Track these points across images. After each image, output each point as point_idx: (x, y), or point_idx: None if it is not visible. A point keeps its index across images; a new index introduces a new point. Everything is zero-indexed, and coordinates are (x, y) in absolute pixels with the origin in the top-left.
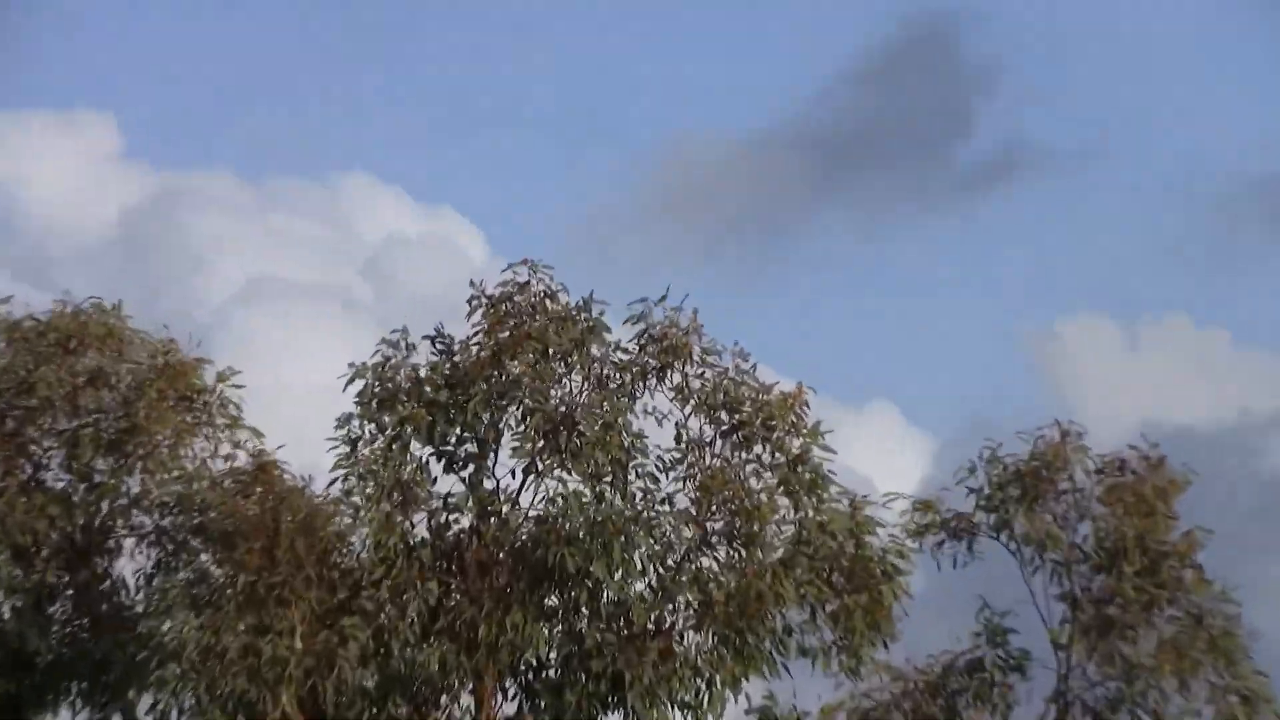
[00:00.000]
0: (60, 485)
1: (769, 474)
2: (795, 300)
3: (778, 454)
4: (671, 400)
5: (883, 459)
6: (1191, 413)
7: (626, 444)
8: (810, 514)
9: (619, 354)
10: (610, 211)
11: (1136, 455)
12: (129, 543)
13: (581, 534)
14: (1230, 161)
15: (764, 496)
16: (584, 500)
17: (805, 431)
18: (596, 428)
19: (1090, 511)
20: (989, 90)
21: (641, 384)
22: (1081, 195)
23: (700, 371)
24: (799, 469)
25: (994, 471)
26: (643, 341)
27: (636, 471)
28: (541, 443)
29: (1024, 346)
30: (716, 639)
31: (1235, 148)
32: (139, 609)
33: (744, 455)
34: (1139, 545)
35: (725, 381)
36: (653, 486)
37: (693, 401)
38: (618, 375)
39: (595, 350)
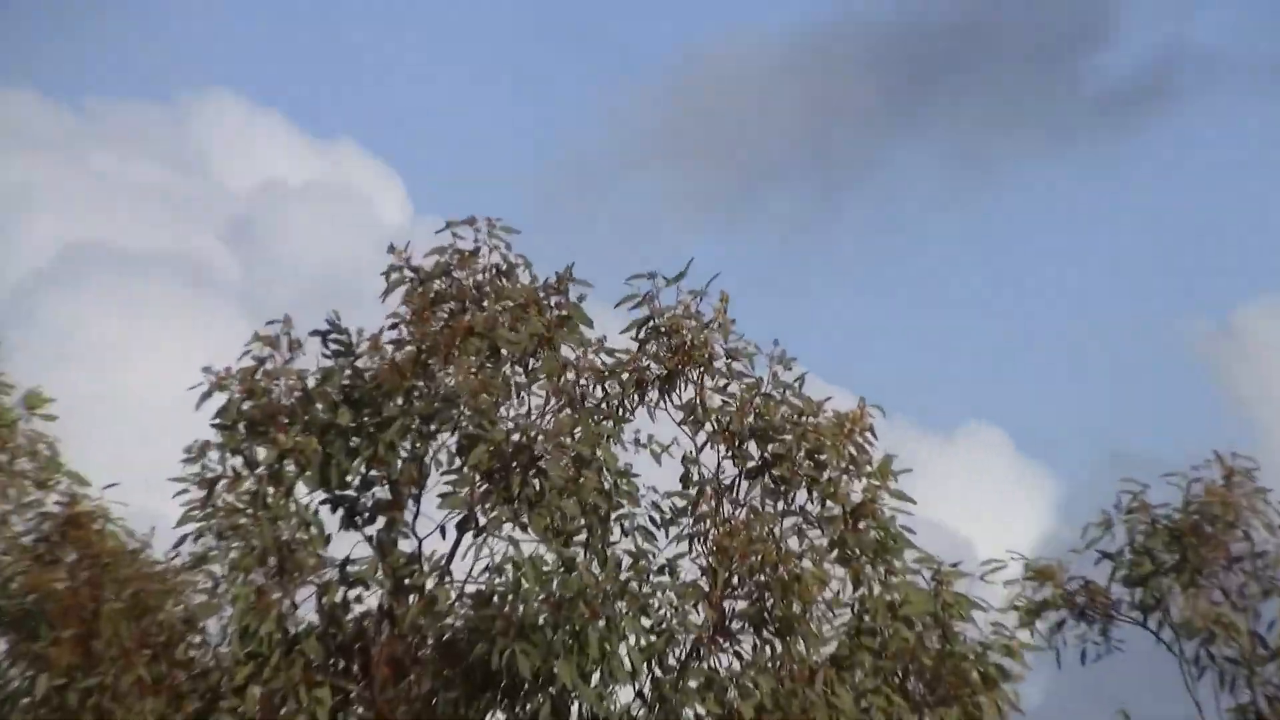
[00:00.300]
0: None
1: (817, 531)
2: (855, 279)
3: (829, 503)
4: (680, 424)
5: (985, 508)
6: None
7: (609, 486)
8: (876, 590)
9: (603, 356)
10: (589, 154)
11: None
12: None
13: (542, 619)
14: None
15: (809, 563)
16: (545, 569)
17: (869, 470)
18: (566, 464)
19: (1277, 585)
20: None
21: (637, 399)
22: (1269, 125)
23: (723, 384)
24: (860, 524)
25: (1139, 528)
26: (642, 337)
27: (623, 527)
28: (485, 486)
29: (1187, 347)
30: None
31: None
32: None
33: (781, 504)
34: None
35: (757, 398)
36: (648, 548)
37: (710, 426)
38: (599, 388)
39: (569, 351)
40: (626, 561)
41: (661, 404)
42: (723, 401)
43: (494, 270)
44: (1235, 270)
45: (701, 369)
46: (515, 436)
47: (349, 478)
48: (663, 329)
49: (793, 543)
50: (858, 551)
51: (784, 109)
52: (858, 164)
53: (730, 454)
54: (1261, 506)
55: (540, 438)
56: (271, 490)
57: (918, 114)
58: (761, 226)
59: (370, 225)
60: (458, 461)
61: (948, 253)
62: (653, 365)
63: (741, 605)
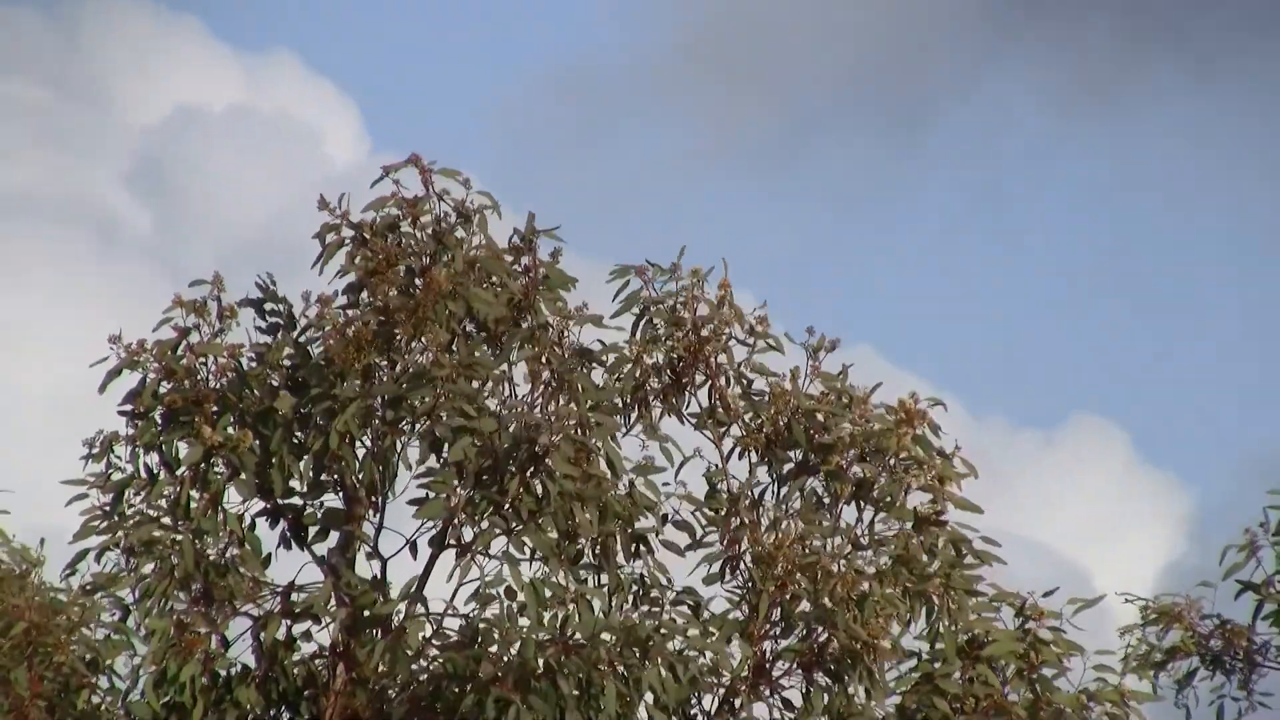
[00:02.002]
0: None
1: (869, 553)
2: (932, 244)
3: (886, 514)
4: (699, 428)
5: (1099, 526)
6: None
7: (626, 489)
8: (949, 624)
9: (592, 332)
10: (593, 80)
11: None
12: None
13: (542, 662)
14: None
15: (874, 587)
16: (547, 596)
17: (932, 475)
18: (575, 462)
19: None
20: None
21: (636, 411)
22: None
23: (748, 382)
24: (928, 542)
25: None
26: (644, 335)
27: (644, 544)
28: (472, 490)
29: None
30: None
31: None
32: None
33: (828, 519)
34: None
35: (786, 394)
36: (660, 566)
37: (737, 430)
38: (591, 368)
39: (550, 316)
40: (649, 590)
41: (668, 413)
42: (753, 398)
43: (450, 218)
44: None
45: (717, 369)
46: (508, 428)
47: (293, 482)
48: (668, 320)
49: (845, 563)
50: (930, 574)
51: (848, 29)
52: (942, 98)
53: (765, 460)
54: None
55: (538, 429)
56: (196, 497)
57: (1024, 34)
58: (814, 180)
59: (316, 163)
60: (433, 459)
61: (1054, 209)
62: (655, 366)
63: (787, 642)
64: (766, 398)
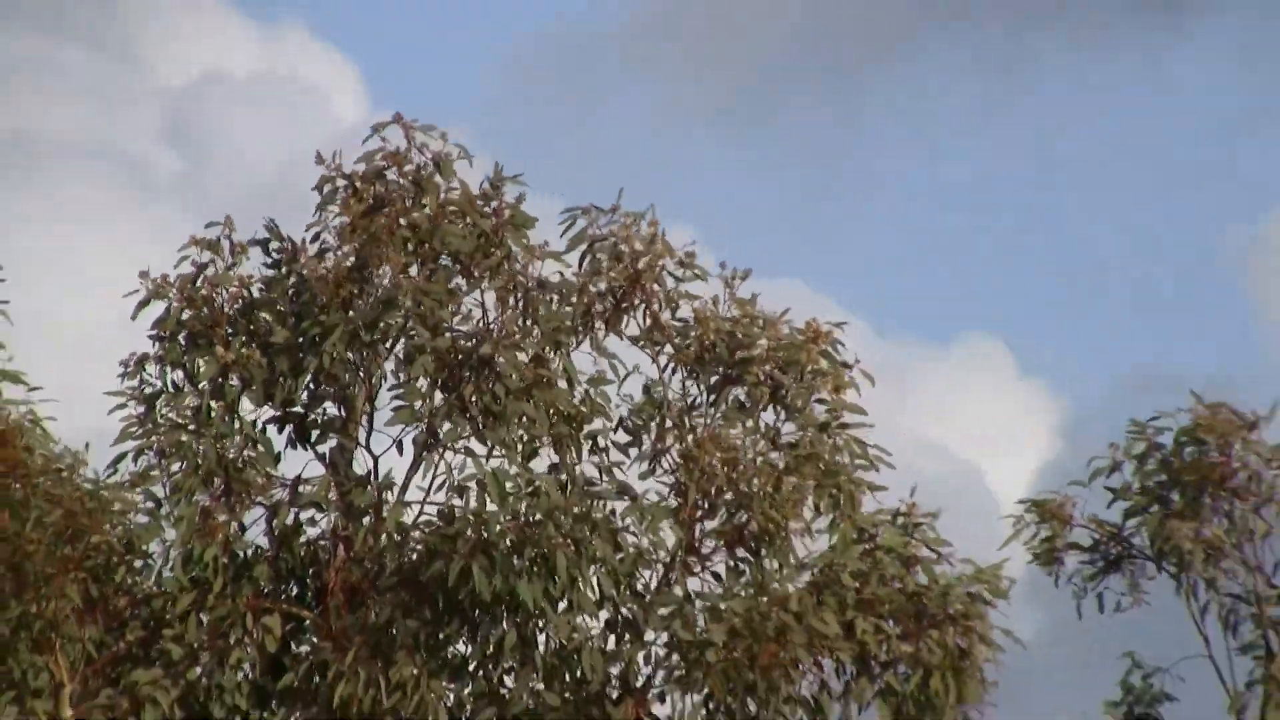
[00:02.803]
0: None
1: (783, 452)
2: (859, 189)
3: (793, 419)
4: (640, 346)
5: (988, 430)
6: None
7: (578, 398)
8: (847, 519)
9: (545, 267)
10: (561, 45)
11: None
12: None
13: (507, 541)
14: None
15: (785, 479)
16: (509, 485)
17: (829, 384)
18: (524, 368)
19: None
20: None
21: (583, 330)
22: None
23: (675, 306)
24: (829, 439)
25: (1149, 469)
26: (590, 268)
27: (594, 443)
28: (441, 397)
29: (1221, 256)
30: (714, 704)
31: None
32: None
33: (749, 423)
34: None
35: (712, 316)
36: (616, 462)
37: (669, 348)
38: (550, 297)
39: (515, 252)
40: (594, 480)
41: (612, 331)
42: (681, 322)
43: (430, 168)
44: (1268, 175)
45: (651, 296)
46: (471, 343)
47: (297, 393)
48: (609, 254)
49: (762, 458)
50: (834, 470)
51: (787, 18)
52: (881, 66)
53: (693, 374)
54: (1254, 438)
55: (498, 345)
56: (215, 406)
57: (951, 11)
58: (771, 136)
59: (323, 120)
60: (409, 371)
61: (963, 157)
62: (601, 291)
63: (714, 524)
64: (694, 320)
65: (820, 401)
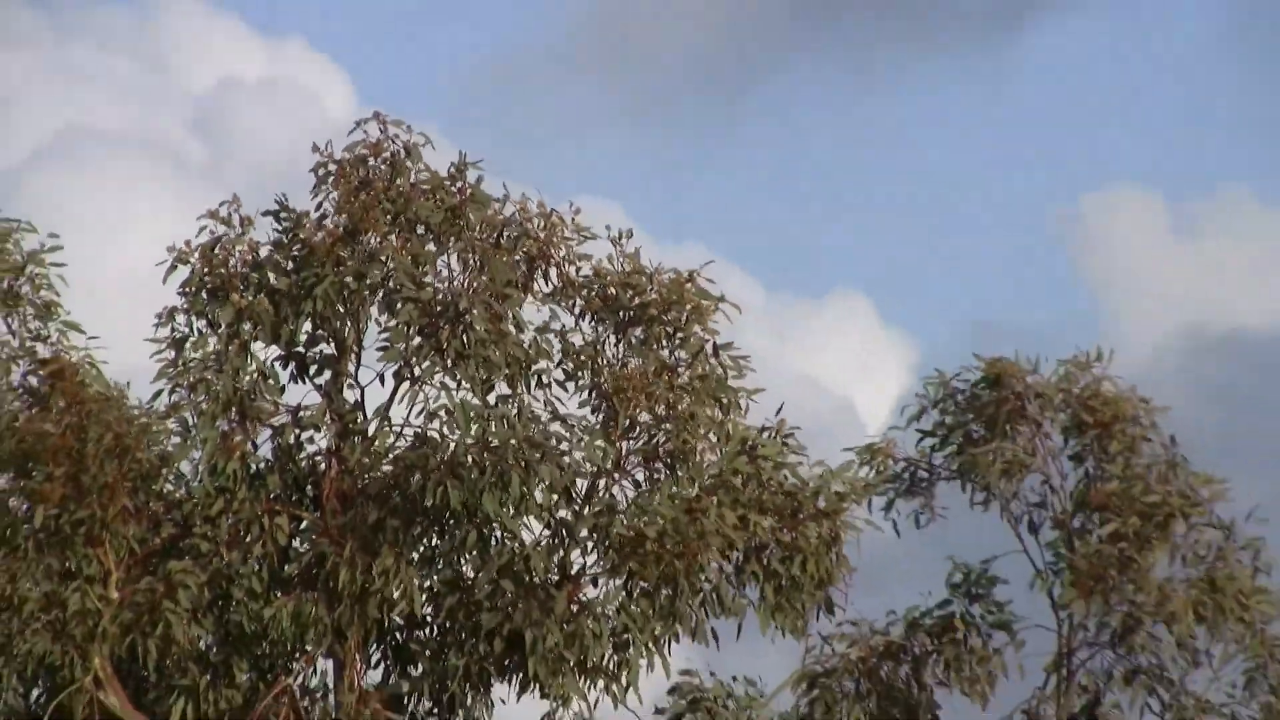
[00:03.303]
0: None
1: (683, 375)
2: (750, 169)
3: (681, 352)
4: (550, 302)
5: (852, 371)
6: (1251, 312)
7: (528, 342)
8: (733, 430)
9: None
10: (515, 56)
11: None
12: None
13: (470, 459)
14: None
15: (690, 399)
16: (472, 413)
17: (700, 317)
18: (487, 321)
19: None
20: None
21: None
22: (1120, 40)
23: (578, 266)
24: (711, 363)
25: (949, 408)
26: (504, 237)
27: (540, 379)
28: (417, 340)
29: (1043, 229)
30: (637, 591)
31: None
32: None
33: (649, 356)
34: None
35: (609, 271)
36: (558, 396)
37: (578, 300)
38: (505, 259)
39: (475, 225)
40: (540, 411)
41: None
42: (585, 279)
43: (403, 154)
44: (1089, 162)
45: (555, 261)
46: (441, 296)
47: (297, 335)
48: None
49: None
50: (721, 396)
51: (683, 26)
52: (752, 74)
53: (599, 320)
54: (1041, 381)
55: (465, 298)
56: (232, 348)
57: (805, 30)
58: (662, 128)
59: (319, 117)
60: (391, 319)
61: (834, 151)
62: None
63: (637, 444)
64: (594, 275)
65: (700, 330)
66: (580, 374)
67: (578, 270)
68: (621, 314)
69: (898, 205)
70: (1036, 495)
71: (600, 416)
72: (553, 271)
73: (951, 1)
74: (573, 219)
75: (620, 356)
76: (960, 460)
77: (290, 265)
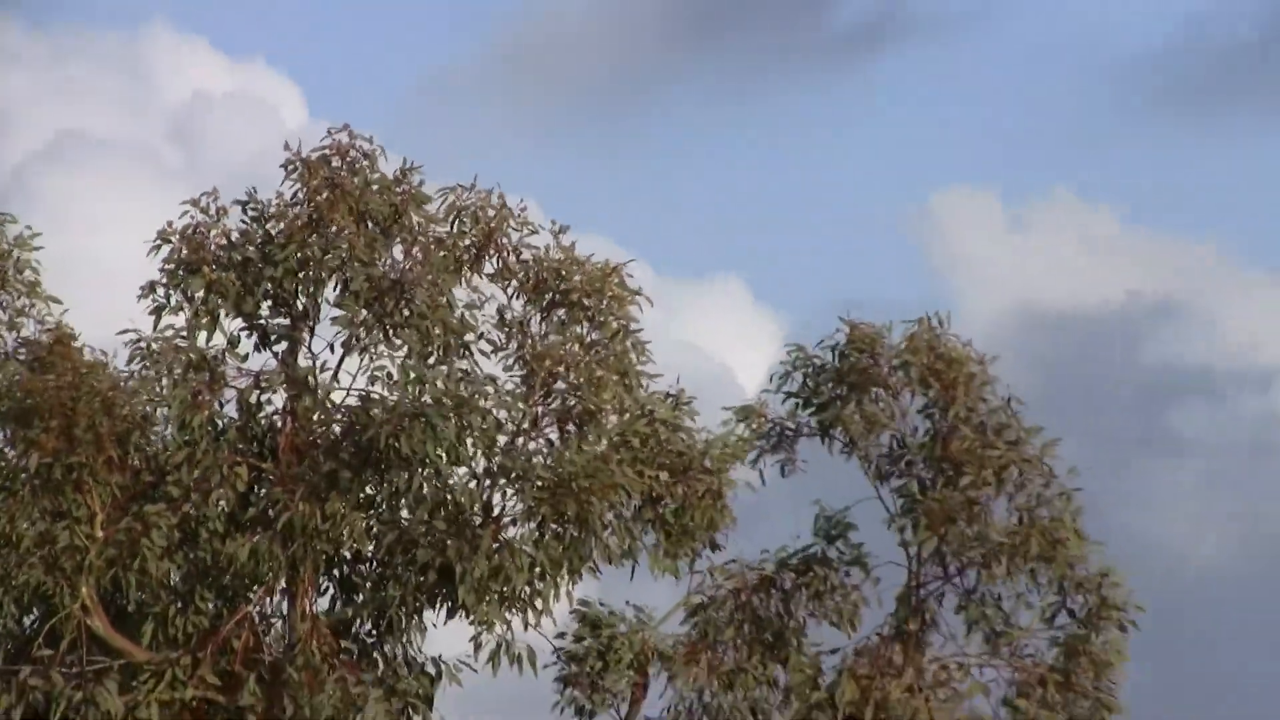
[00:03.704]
0: None
1: (595, 351)
2: (646, 171)
3: (597, 332)
4: (492, 282)
5: (730, 342)
6: (1075, 296)
7: (457, 317)
8: (635, 396)
9: (436, 228)
10: (448, 74)
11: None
12: None
13: (410, 412)
14: (1124, 30)
15: (597, 370)
16: (411, 375)
17: (618, 302)
18: (424, 298)
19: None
20: None
21: (465, 265)
22: (963, 63)
23: (519, 253)
24: (621, 344)
25: (809, 373)
26: (454, 225)
27: (467, 350)
28: (365, 313)
29: (895, 222)
30: (549, 533)
31: (1128, 15)
32: None
33: (569, 334)
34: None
35: (544, 259)
36: (480, 366)
37: (514, 282)
38: (439, 249)
39: (416, 219)
40: (468, 375)
41: (475, 272)
42: (520, 265)
43: (361, 159)
44: (935, 166)
45: (500, 248)
46: (388, 277)
47: (260, 309)
48: (471, 217)
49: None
50: (626, 367)
51: (592, 48)
52: (650, 89)
53: (530, 302)
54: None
55: (406, 278)
56: (202, 318)
57: (694, 54)
58: (575, 135)
59: (277, 126)
60: (343, 296)
61: (718, 155)
62: (468, 243)
63: (552, 406)
64: (530, 262)
65: (615, 317)
66: (508, 345)
67: (518, 256)
68: (550, 296)
69: (770, 199)
70: (887, 448)
71: (521, 382)
72: (495, 256)
73: (821, 29)
74: (519, 213)
75: (544, 332)
76: (824, 417)
77: (255, 251)
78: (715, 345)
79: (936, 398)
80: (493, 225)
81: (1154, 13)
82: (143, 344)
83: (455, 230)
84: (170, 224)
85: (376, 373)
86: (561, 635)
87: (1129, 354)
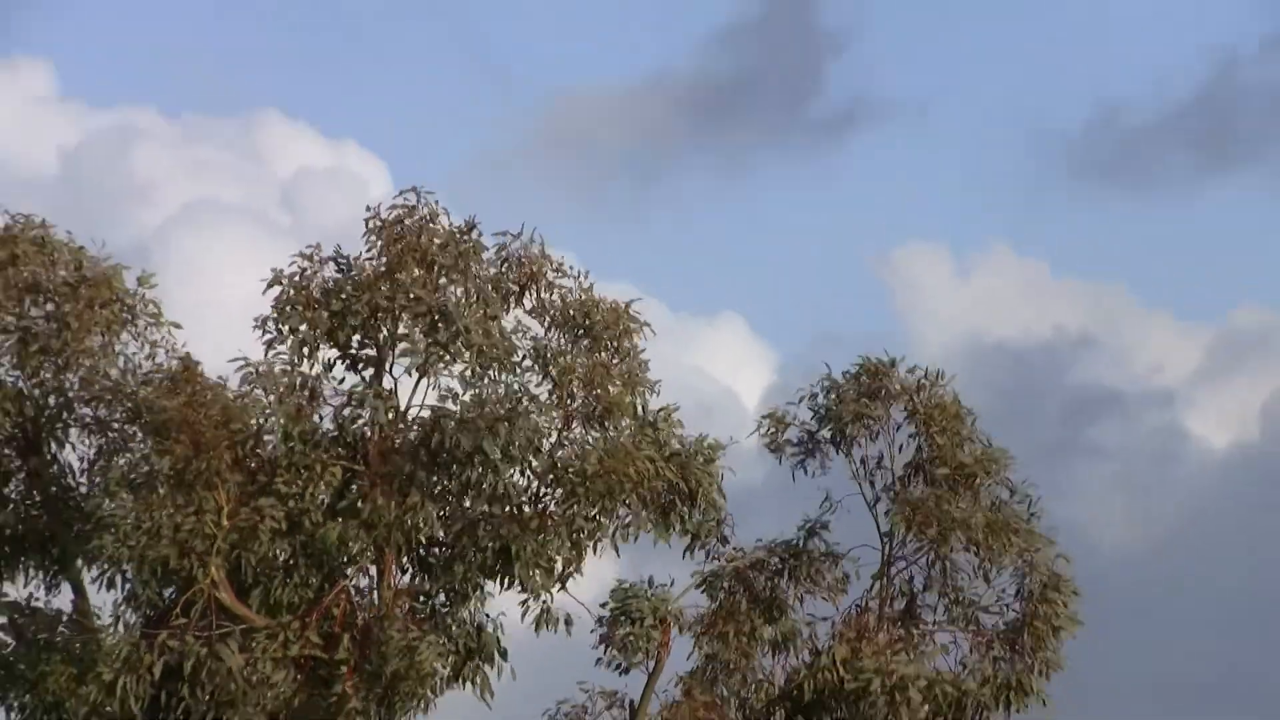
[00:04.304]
0: (11, 382)
1: (614, 370)
2: (664, 229)
3: (614, 356)
4: (531, 315)
5: (733, 367)
6: (1011, 330)
7: (505, 342)
8: (644, 410)
9: (489, 269)
10: (502, 150)
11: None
12: (74, 432)
13: (473, 418)
14: (1049, 114)
15: (618, 385)
16: (475, 388)
17: (625, 332)
18: (478, 327)
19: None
20: (839, 53)
21: (509, 300)
22: (918, 141)
23: (552, 292)
24: (631, 367)
25: (831, 395)
26: (504, 268)
27: (516, 369)
28: (426, 341)
29: (865, 270)
30: (579, 508)
31: (1052, 102)
32: (84, 490)
33: (592, 358)
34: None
35: (572, 297)
36: (526, 381)
37: (549, 315)
38: (492, 289)
39: (475, 267)
40: (516, 390)
41: (518, 306)
42: (555, 301)
43: (428, 218)
44: (897, 224)
45: (540, 285)
46: (445, 310)
47: (350, 342)
48: (515, 261)
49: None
50: (639, 387)
51: (618, 131)
52: (664, 165)
53: (562, 333)
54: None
55: (464, 312)
56: (305, 348)
57: (701, 136)
58: (604, 200)
59: (365, 194)
60: (414, 327)
61: (721, 216)
62: (512, 285)
63: (580, 414)
64: (561, 302)
65: (626, 342)
66: (545, 366)
67: (552, 295)
68: (577, 329)
69: (763, 252)
70: (876, 457)
71: (549, 394)
72: (535, 294)
73: (803, 115)
74: (557, 264)
75: (572, 356)
76: (837, 428)
77: (346, 294)
78: (720, 370)
79: (921, 426)
80: (534, 269)
81: (1073, 101)
82: (253, 369)
83: (504, 270)
84: (279, 270)
85: (445, 392)
86: (604, 605)
87: (1055, 378)
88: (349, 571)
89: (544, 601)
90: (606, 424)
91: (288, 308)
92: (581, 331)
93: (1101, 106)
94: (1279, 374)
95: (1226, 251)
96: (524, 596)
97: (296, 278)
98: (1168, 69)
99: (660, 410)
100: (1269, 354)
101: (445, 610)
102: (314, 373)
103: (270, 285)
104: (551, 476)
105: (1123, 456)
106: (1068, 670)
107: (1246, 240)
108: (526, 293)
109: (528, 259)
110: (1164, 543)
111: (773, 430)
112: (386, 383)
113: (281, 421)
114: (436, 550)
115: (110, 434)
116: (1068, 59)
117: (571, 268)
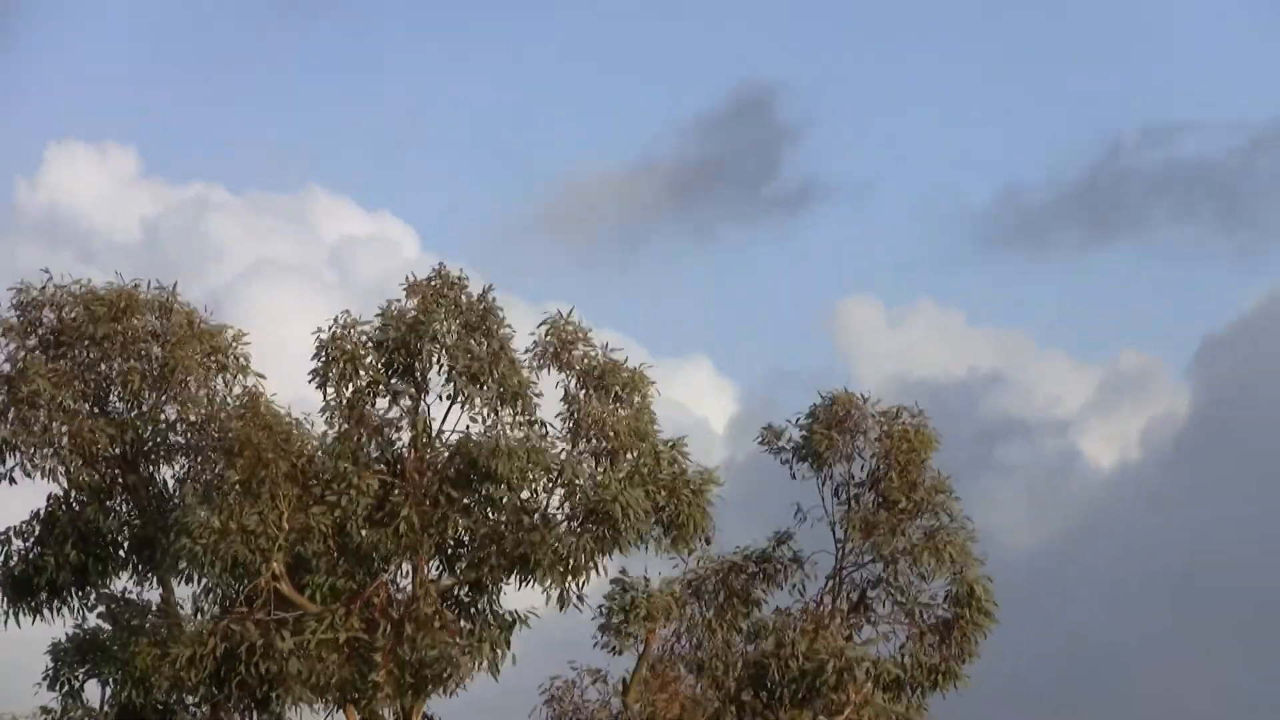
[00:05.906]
0: (117, 413)
1: (622, 413)
2: (647, 285)
3: (621, 402)
4: (562, 374)
5: (701, 400)
6: (933, 370)
7: (523, 388)
8: (647, 446)
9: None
10: (516, 219)
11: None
12: (168, 454)
13: (501, 447)
14: (965, 193)
15: (624, 428)
16: (502, 424)
17: (638, 388)
18: (504, 371)
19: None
20: (794, 142)
21: (543, 363)
22: (859, 214)
23: (582, 355)
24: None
25: (808, 423)
26: (547, 335)
27: (534, 412)
28: (468, 383)
29: (813, 319)
30: (589, 531)
31: (967, 181)
32: (174, 503)
33: (606, 406)
34: (900, 474)
35: (596, 361)
36: (542, 419)
37: (577, 370)
38: (527, 350)
39: (493, 325)
40: (535, 427)
41: (553, 364)
42: (583, 363)
43: (454, 282)
44: (840, 282)
45: (572, 350)
46: (479, 360)
47: (391, 379)
48: (556, 333)
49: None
50: (645, 429)
51: (607, 205)
52: (646, 232)
53: (584, 385)
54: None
55: (498, 363)
56: (352, 386)
57: (677, 210)
58: (596, 263)
59: (399, 257)
60: (451, 372)
61: (694, 277)
62: (553, 349)
63: (590, 448)
64: (588, 362)
65: (631, 394)
66: (572, 413)
67: (584, 358)
68: (593, 385)
69: (728, 304)
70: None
71: (568, 434)
72: (565, 355)
73: (763, 192)
74: (582, 332)
75: (589, 403)
76: (810, 449)
77: (390, 344)
78: (693, 402)
79: (883, 454)
80: (566, 337)
81: (984, 182)
82: (322, 406)
83: (544, 336)
84: (331, 326)
85: (473, 420)
86: (610, 597)
87: (970, 409)
88: (388, 568)
89: (560, 590)
90: (613, 458)
91: (335, 355)
92: (600, 387)
93: (1007, 187)
94: (1156, 406)
95: (1112, 306)
96: (542, 590)
97: (343, 329)
98: (1061, 155)
99: (668, 442)
100: (1148, 390)
101: (468, 600)
102: (362, 404)
103: (320, 335)
104: (563, 495)
105: (1026, 473)
106: (982, 657)
107: (1129, 297)
108: (560, 355)
109: (567, 330)
110: (1060, 545)
111: (771, 439)
112: (420, 410)
113: (332, 444)
114: (462, 553)
115: (196, 456)
116: (977, 148)
117: (604, 346)
